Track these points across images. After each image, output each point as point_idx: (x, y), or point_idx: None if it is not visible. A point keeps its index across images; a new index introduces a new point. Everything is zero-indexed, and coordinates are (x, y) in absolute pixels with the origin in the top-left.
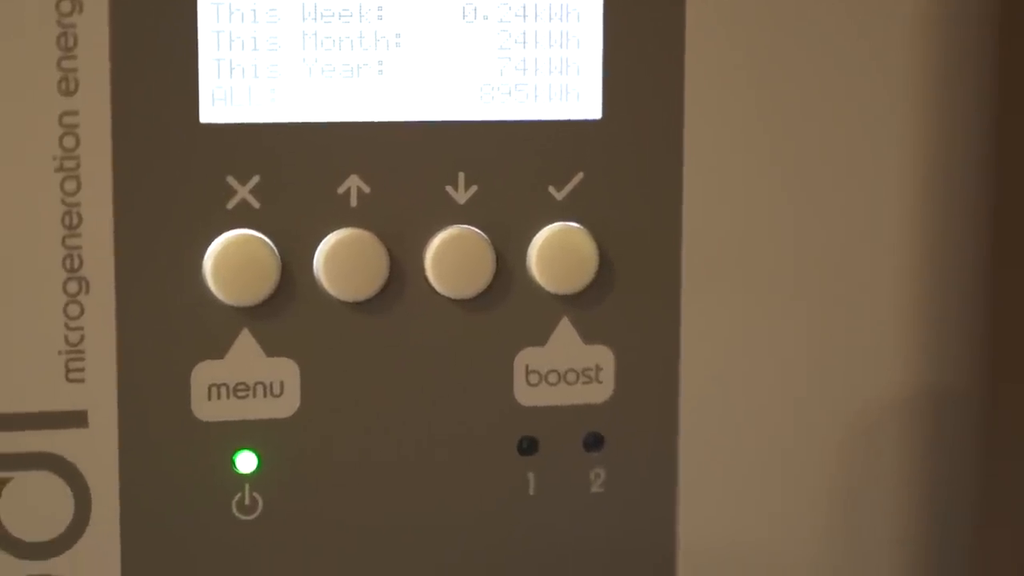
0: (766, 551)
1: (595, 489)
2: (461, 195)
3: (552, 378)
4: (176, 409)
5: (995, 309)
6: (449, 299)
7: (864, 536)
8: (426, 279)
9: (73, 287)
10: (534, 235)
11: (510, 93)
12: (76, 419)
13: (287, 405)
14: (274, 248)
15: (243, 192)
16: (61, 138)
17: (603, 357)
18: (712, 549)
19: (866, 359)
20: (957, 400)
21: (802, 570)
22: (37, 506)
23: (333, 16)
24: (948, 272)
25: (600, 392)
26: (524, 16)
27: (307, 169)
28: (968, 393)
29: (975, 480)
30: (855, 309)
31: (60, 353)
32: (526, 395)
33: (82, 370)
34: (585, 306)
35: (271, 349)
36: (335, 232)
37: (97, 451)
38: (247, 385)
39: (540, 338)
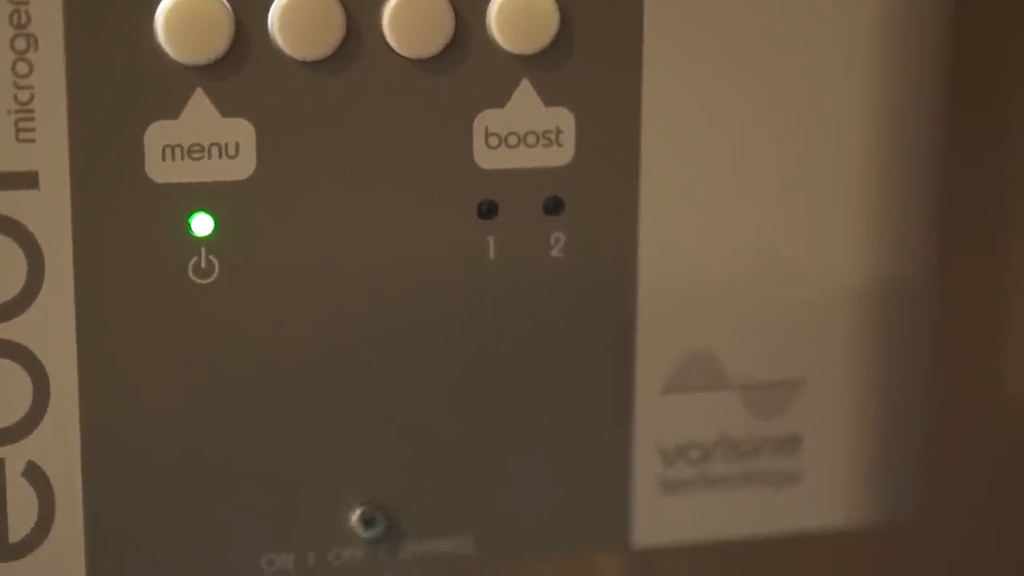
0: (723, 316)
1: (555, 253)
2: None
3: (512, 140)
4: (129, 170)
5: (951, 207)
6: (407, 59)
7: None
8: (383, 37)
9: (21, 44)
10: None
11: None
12: (27, 180)
13: (243, 167)
14: (227, 4)
15: None
16: None
17: (563, 120)
18: (671, 313)
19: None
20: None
21: (758, 334)
22: None
23: None
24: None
25: (560, 155)
26: None
27: None
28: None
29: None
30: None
31: (9, 113)
32: (486, 158)
33: (32, 130)
34: (546, 68)
35: (226, 109)
36: None
37: (49, 213)
38: (202, 146)
39: (500, 100)
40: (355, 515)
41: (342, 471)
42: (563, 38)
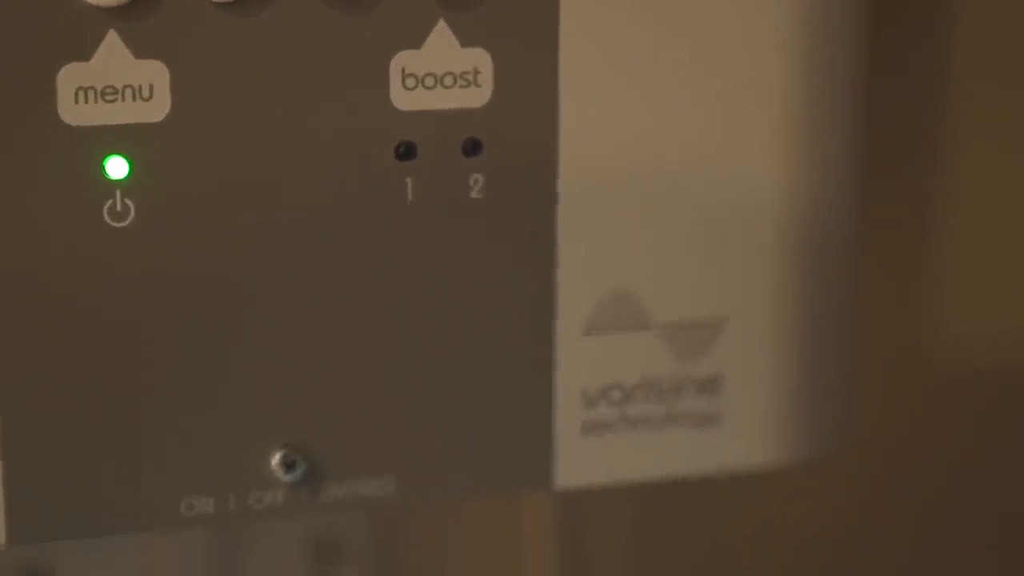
0: (644, 255)
1: (474, 195)
2: None
3: (429, 82)
4: (42, 113)
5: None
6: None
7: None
8: None
9: None
10: None
11: None
12: None
13: (157, 109)
14: None
15: None
16: None
17: (481, 60)
18: (592, 253)
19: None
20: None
21: (679, 274)
22: None
23: None
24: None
25: (478, 96)
26: None
27: None
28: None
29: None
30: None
31: None
32: (403, 99)
33: None
34: (462, 8)
35: (139, 51)
36: None
37: None
38: (115, 88)
39: (416, 40)
40: (275, 458)
41: (262, 414)
42: None
